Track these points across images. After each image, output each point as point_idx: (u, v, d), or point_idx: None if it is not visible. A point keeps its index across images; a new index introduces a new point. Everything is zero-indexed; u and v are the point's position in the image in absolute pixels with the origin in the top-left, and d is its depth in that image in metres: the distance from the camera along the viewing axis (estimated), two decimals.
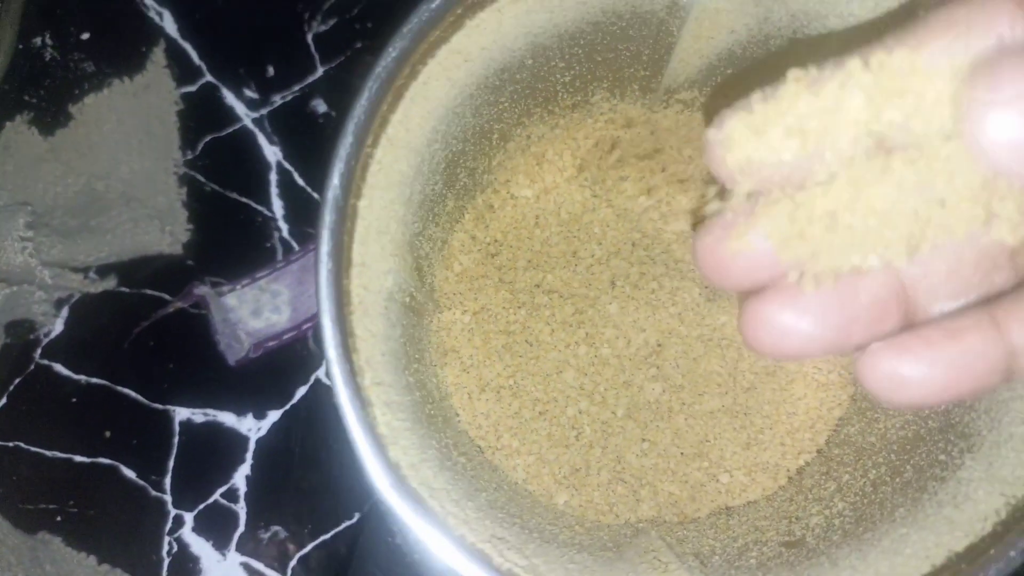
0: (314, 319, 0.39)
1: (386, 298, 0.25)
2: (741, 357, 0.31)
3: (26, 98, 0.44)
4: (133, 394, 0.42)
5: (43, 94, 0.44)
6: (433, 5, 0.22)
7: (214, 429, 0.41)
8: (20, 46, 0.45)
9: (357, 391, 0.20)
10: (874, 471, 0.27)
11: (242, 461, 0.41)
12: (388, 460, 0.20)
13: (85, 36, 0.45)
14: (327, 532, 0.40)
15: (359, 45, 0.44)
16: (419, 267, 0.30)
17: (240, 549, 0.40)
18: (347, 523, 0.40)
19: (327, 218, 0.20)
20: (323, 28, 0.45)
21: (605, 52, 0.29)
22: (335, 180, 0.21)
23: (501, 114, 0.30)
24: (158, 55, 0.45)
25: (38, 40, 0.45)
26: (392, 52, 0.21)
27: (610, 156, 0.34)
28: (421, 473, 0.22)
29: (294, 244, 0.43)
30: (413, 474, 0.21)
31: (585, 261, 0.33)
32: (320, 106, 0.44)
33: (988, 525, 0.21)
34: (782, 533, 0.27)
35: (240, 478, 0.41)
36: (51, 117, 0.44)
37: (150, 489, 0.41)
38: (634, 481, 0.31)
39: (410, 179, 0.26)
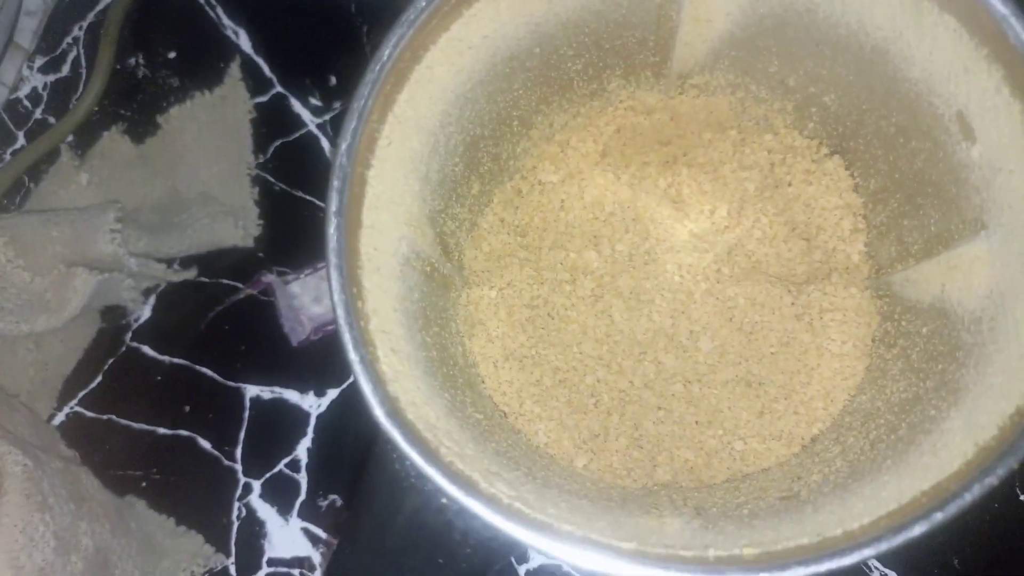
0: None
1: (401, 262, 0.27)
2: (755, 329, 0.32)
3: (121, 111, 0.49)
4: (210, 373, 0.46)
5: (135, 107, 0.49)
6: None
7: (280, 405, 0.45)
8: (117, 66, 0.50)
9: (360, 332, 0.23)
10: (875, 432, 0.27)
11: (304, 435, 0.44)
12: (386, 393, 0.23)
13: (172, 55, 0.50)
14: None
15: None
16: (444, 243, 0.32)
17: (301, 515, 0.43)
18: None
19: (334, 182, 0.23)
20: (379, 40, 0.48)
21: (612, 39, 0.31)
22: (342, 150, 0.23)
23: (517, 101, 0.32)
24: (234, 70, 0.49)
25: (132, 60, 0.50)
26: (392, 38, 0.24)
27: (632, 142, 0.36)
28: (421, 411, 0.24)
29: None
30: (411, 409, 0.23)
31: (605, 241, 0.35)
32: None
33: (955, 465, 0.21)
34: (782, 490, 0.28)
35: (302, 450, 0.44)
36: (142, 127, 0.49)
37: (223, 459, 0.45)
38: (651, 447, 0.32)
39: (425, 157, 0.28)
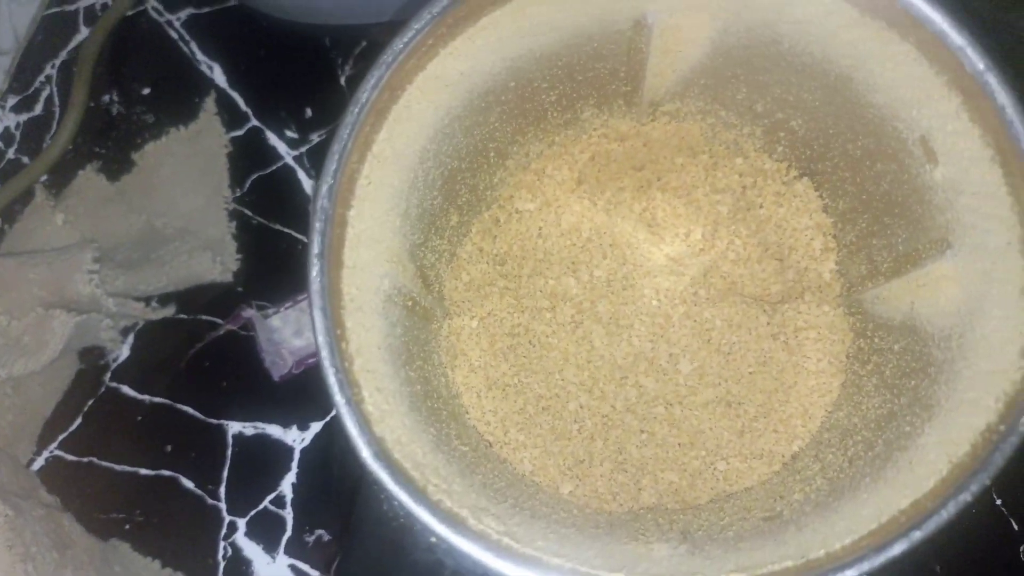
0: None
1: (383, 300, 0.28)
2: (732, 350, 0.33)
3: (96, 149, 0.49)
4: (191, 411, 0.46)
5: (110, 144, 0.49)
6: (406, 38, 0.25)
7: (263, 441, 0.45)
8: (91, 104, 0.50)
9: (345, 373, 0.23)
10: (852, 448, 0.28)
11: (288, 470, 0.44)
12: (372, 434, 0.23)
13: (146, 91, 0.50)
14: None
15: None
16: (424, 276, 0.32)
17: (288, 552, 0.43)
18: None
19: (316, 224, 0.23)
20: (353, 72, 0.49)
21: (585, 71, 0.32)
22: (323, 192, 0.24)
23: (493, 133, 0.32)
24: (209, 104, 0.50)
25: (106, 97, 0.50)
26: (371, 79, 0.24)
27: (607, 169, 0.36)
28: (408, 449, 0.24)
29: None
30: (398, 448, 0.24)
31: (583, 267, 0.35)
32: None
33: (931, 483, 0.22)
34: (766, 510, 0.28)
35: (287, 485, 0.44)
36: (117, 164, 0.49)
37: (207, 498, 0.44)
38: (635, 471, 0.33)
39: (404, 193, 0.29)
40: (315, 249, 0.23)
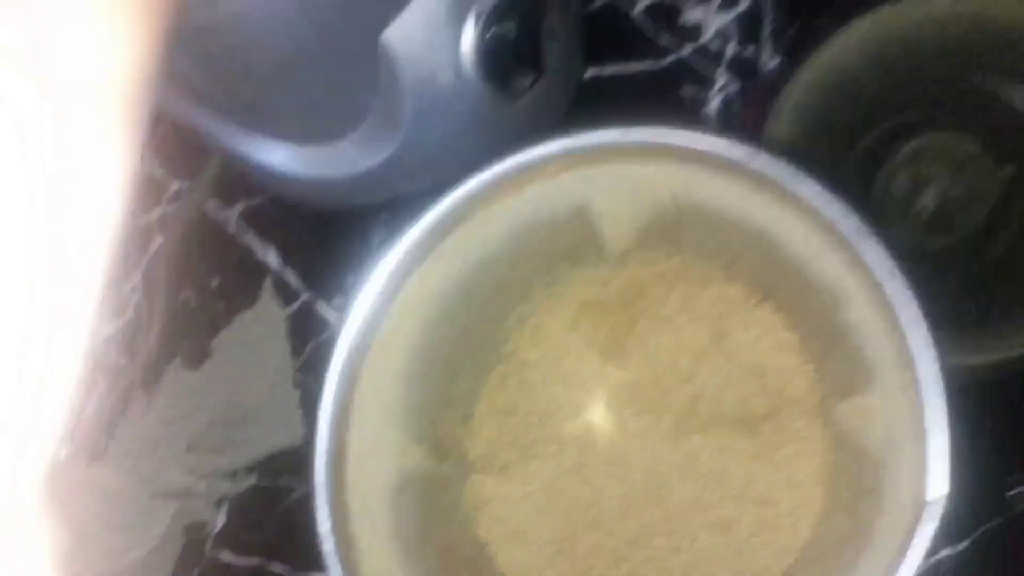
0: None
1: (393, 491, 0.32)
2: (722, 473, 0.35)
3: (178, 344, 0.57)
4: (283, 568, 0.51)
5: (191, 337, 0.56)
6: (374, 283, 0.30)
7: None
8: (171, 304, 0.58)
9: None
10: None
11: None
12: None
13: (215, 283, 0.58)
14: None
15: None
16: (438, 447, 0.37)
17: None
18: None
19: (320, 504, 0.29)
20: (383, 236, 0.55)
21: (549, 246, 0.36)
22: (319, 481, 0.29)
23: (480, 316, 0.37)
24: (267, 285, 0.56)
25: (184, 294, 0.58)
26: (351, 327, 0.30)
27: (600, 309, 0.40)
28: None
29: None
30: None
31: (584, 409, 0.39)
32: None
33: None
34: None
35: None
36: (197, 355, 0.56)
37: None
38: None
39: (402, 398, 0.34)
40: (325, 526, 0.29)
